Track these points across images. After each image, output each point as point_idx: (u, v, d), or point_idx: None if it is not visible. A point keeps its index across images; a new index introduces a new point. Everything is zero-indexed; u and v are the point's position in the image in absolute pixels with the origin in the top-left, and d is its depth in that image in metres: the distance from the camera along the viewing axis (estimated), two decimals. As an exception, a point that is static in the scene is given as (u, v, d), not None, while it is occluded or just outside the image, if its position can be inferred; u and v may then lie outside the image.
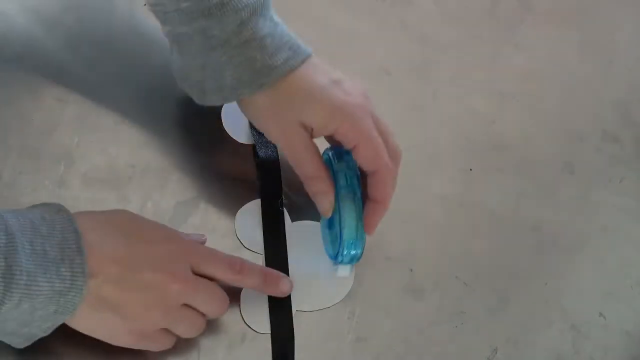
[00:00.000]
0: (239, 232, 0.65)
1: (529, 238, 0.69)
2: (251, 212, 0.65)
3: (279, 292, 0.61)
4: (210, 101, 0.61)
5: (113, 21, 0.71)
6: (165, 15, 0.59)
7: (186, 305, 0.56)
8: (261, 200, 0.66)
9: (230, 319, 0.61)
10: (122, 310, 0.53)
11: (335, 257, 0.61)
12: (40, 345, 0.53)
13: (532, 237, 0.69)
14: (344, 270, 0.62)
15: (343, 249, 0.60)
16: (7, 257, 0.49)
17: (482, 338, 0.64)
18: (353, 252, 0.60)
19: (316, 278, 0.63)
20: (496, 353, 0.64)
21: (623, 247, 0.70)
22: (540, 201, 0.70)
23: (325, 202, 0.60)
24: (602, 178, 0.72)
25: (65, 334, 0.54)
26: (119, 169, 0.66)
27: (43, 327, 0.52)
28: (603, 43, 0.78)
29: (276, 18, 0.59)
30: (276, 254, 0.64)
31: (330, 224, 0.63)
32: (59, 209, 0.53)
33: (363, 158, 0.59)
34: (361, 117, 0.58)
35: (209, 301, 0.57)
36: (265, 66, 0.57)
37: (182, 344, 0.58)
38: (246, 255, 0.62)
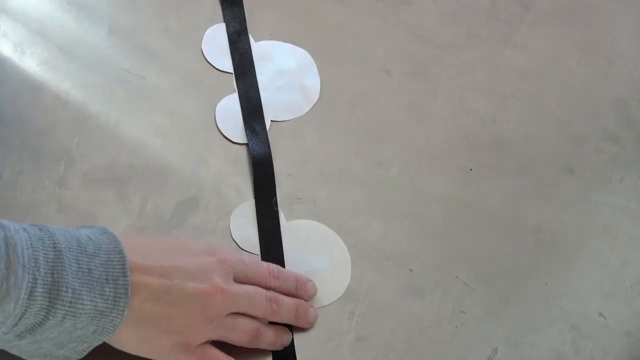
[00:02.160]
0: (234, 232, 0.65)
1: (529, 238, 0.69)
2: (246, 213, 0.65)
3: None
4: None
5: (113, 21, 0.71)
6: None
7: (234, 313, 0.56)
8: (255, 200, 0.66)
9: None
10: (165, 324, 0.53)
11: None
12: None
13: (532, 237, 0.69)
14: None
15: None
16: (54, 273, 0.49)
17: (482, 338, 0.64)
18: None
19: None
20: (496, 353, 0.64)
21: (623, 247, 0.70)
22: (540, 201, 0.70)
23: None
24: (602, 178, 0.72)
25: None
26: (119, 169, 0.66)
27: (78, 349, 0.52)
28: (603, 43, 0.78)
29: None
30: (271, 253, 0.64)
31: None
32: (104, 230, 0.54)
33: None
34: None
35: (255, 305, 0.57)
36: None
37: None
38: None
